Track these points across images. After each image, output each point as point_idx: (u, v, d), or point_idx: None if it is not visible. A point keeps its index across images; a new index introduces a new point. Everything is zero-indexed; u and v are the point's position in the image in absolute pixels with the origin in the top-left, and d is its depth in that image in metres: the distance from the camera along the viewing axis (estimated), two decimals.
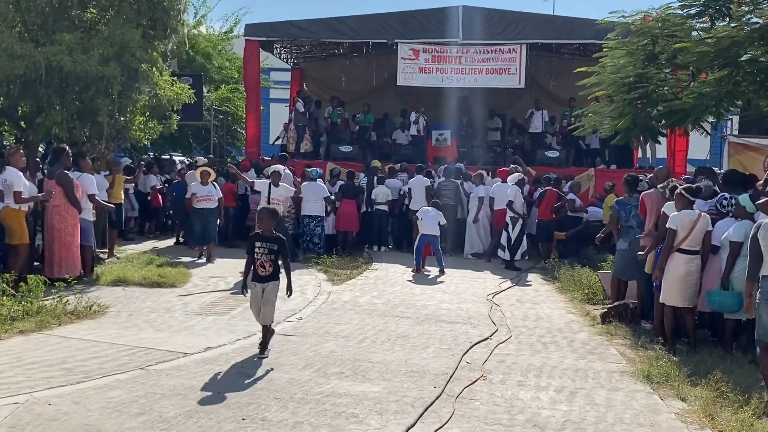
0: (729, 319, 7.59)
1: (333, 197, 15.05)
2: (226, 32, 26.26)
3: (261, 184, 12.95)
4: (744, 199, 7.46)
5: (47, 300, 8.35)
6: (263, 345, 7.06)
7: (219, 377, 6.25)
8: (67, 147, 10.56)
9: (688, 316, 7.73)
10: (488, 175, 16.22)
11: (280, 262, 7.08)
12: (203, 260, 13.21)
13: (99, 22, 12.96)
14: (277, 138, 20.87)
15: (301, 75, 23.89)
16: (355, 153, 19.20)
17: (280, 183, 12.72)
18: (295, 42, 21.54)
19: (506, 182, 14.13)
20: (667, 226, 7.73)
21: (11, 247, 9.33)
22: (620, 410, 5.77)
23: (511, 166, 15.48)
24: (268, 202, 12.02)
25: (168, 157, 23.65)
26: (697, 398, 5.97)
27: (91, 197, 10.78)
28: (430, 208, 13.35)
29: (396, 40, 18.96)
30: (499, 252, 13.89)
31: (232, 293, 10.13)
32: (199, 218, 13.41)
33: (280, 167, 13.53)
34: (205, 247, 13.47)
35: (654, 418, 5.61)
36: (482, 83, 19.15)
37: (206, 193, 13.44)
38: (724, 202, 7.97)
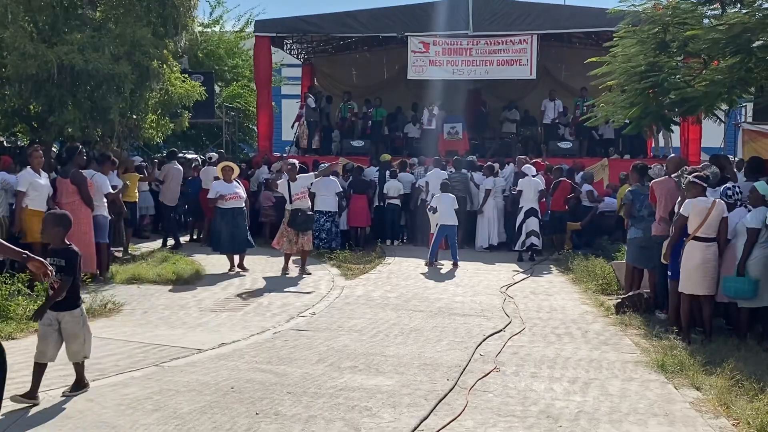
0: (744, 307, 7.54)
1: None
2: (238, 32, 26.26)
3: (281, 186, 11.97)
4: (762, 186, 7.41)
5: None
6: (76, 383, 5.66)
7: (233, 373, 6.27)
8: (81, 146, 10.63)
9: (706, 305, 7.67)
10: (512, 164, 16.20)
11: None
12: (234, 271, 11.66)
13: (109, 20, 12.99)
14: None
15: (311, 70, 23.90)
16: (368, 148, 19.15)
17: (297, 176, 11.85)
18: (305, 37, 21.54)
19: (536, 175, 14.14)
20: (679, 212, 7.68)
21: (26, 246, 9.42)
22: (634, 400, 5.75)
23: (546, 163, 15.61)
24: (290, 201, 11.62)
25: (183, 154, 23.70)
26: (711, 387, 5.94)
27: (108, 196, 10.85)
28: (443, 193, 12.96)
29: (406, 34, 18.92)
30: (534, 240, 13.68)
31: (245, 290, 10.20)
32: (227, 221, 11.66)
33: (295, 161, 12.80)
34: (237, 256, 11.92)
35: (668, 407, 5.59)
36: (493, 75, 19.07)
37: (234, 191, 11.79)
38: (729, 192, 7.91)
